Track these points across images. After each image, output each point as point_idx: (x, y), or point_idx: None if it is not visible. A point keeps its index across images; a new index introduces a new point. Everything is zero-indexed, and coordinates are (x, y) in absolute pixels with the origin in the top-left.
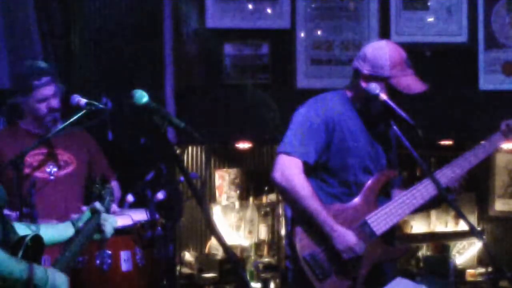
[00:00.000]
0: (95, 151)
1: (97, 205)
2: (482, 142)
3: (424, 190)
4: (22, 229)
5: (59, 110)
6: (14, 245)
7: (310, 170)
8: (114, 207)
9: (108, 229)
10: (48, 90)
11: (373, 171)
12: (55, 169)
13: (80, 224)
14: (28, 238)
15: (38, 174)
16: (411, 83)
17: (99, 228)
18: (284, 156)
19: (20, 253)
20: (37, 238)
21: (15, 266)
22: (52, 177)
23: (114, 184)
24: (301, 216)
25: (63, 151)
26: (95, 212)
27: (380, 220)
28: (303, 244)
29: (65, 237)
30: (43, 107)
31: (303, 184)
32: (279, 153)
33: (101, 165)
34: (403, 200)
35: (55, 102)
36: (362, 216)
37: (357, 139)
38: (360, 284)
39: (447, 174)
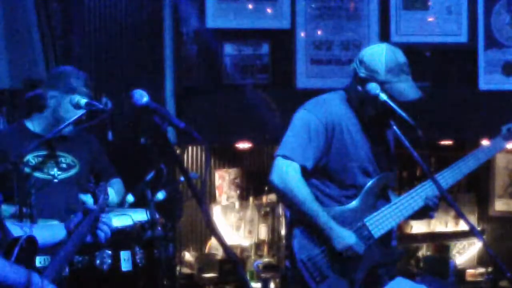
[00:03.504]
0: (97, 151)
1: (90, 205)
2: (483, 145)
3: (423, 193)
4: (16, 230)
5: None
6: (8, 246)
7: (309, 173)
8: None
9: (103, 229)
10: (83, 102)
11: (372, 174)
12: (58, 172)
13: (72, 225)
14: (22, 239)
15: (40, 175)
16: (405, 89)
17: (93, 229)
18: (282, 160)
19: (14, 254)
20: (31, 239)
21: (13, 272)
22: (56, 180)
23: (118, 181)
24: (299, 219)
25: (66, 154)
26: (87, 213)
27: (378, 223)
28: (301, 246)
29: (58, 239)
30: (73, 112)
31: (301, 187)
32: (277, 156)
33: (104, 164)
34: (402, 203)
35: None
36: (361, 219)
37: (356, 141)
38: (357, 287)
39: (447, 177)
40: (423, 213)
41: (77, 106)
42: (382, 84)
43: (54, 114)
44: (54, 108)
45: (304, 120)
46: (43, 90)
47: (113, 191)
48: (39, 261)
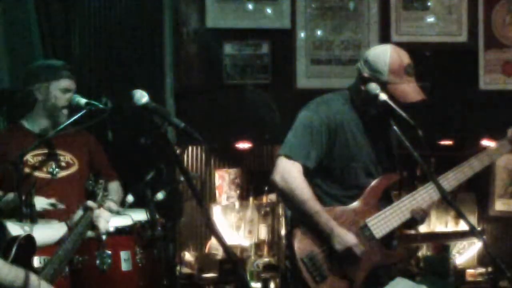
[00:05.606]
0: (96, 151)
1: (89, 202)
2: (488, 148)
3: (426, 194)
4: (16, 230)
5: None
6: (6, 245)
7: (312, 173)
8: (112, 205)
9: (102, 225)
10: (72, 84)
11: (375, 174)
12: (57, 170)
13: (72, 222)
14: (20, 238)
15: (39, 174)
16: (408, 91)
17: (92, 225)
18: (284, 159)
19: (12, 253)
20: (29, 238)
21: (10, 272)
22: (54, 178)
23: (116, 184)
24: (300, 218)
25: (65, 152)
26: (87, 209)
27: (380, 224)
28: (302, 245)
29: (57, 237)
30: (63, 98)
31: (303, 187)
32: (280, 156)
33: (103, 164)
34: (404, 204)
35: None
36: (363, 219)
37: (359, 142)
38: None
39: (450, 179)
40: (410, 224)
41: (77, 106)
42: (385, 84)
43: (46, 105)
44: (44, 99)
45: (307, 120)
46: (28, 86)
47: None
48: (38, 261)
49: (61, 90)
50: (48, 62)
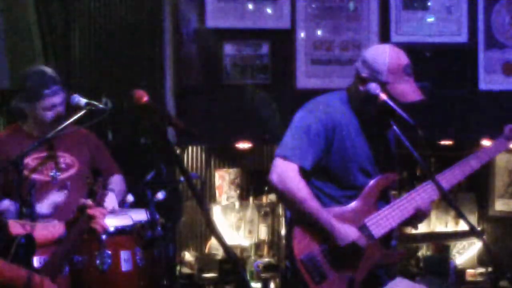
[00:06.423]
0: (96, 147)
1: (85, 201)
2: (486, 146)
3: (424, 193)
4: (17, 229)
5: (64, 115)
6: (6, 245)
7: (309, 173)
8: (110, 203)
9: (97, 225)
10: (57, 98)
11: (373, 174)
12: (58, 173)
13: (70, 222)
14: (20, 237)
15: (39, 176)
16: (407, 91)
17: (89, 225)
18: (281, 160)
19: (12, 253)
20: (29, 238)
21: (13, 272)
22: (55, 181)
23: (119, 178)
24: (299, 218)
25: (64, 153)
26: (83, 208)
27: (379, 223)
28: (301, 246)
29: (56, 237)
30: (50, 114)
31: (300, 186)
32: (277, 156)
33: (104, 161)
34: (403, 203)
35: (62, 109)
36: (361, 219)
37: (356, 142)
38: (357, 287)
39: (448, 178)
40: (410, 223)
41: (77, 106)
42: (384, 84)
43: (36, 120)
44: (31, 116)
45: (304, 121)
46: (14, 103)
47: (113, 195)
48: (38, 261)
49: (46, 109)
50: (31, 79)
